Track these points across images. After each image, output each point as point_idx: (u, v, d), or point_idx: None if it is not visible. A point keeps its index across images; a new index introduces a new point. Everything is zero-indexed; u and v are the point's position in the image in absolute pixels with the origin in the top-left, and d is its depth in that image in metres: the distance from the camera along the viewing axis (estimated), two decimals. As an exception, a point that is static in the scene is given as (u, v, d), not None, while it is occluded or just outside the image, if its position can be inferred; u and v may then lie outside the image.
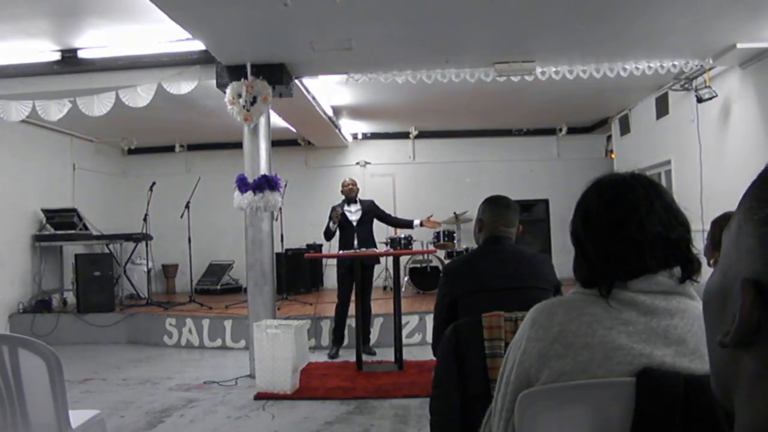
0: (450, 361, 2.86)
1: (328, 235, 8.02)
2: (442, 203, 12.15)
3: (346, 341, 8.02)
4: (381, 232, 9.64)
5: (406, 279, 11.08)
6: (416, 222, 8.12)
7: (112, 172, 13.11)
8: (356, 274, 7.42)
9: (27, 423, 2.94)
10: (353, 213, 7.99)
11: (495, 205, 3.36)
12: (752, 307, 0.68)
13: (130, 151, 13.23)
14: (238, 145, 7.57)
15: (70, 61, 7.38)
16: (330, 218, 7.91)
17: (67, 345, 8.82)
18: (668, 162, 9.67)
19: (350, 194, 8.05)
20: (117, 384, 6.98)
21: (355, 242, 7.89)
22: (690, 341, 1.53)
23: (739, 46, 7.01)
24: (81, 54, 7.35)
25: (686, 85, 8.48)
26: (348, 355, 7.72)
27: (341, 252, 7.69)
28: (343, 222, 7.88)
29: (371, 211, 8.11)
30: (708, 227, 3.22)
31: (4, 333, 3.02)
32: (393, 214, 8.51)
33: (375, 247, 8.05)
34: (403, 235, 8.75)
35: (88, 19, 6.62)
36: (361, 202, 8.14)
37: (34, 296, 10.09)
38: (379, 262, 8.28)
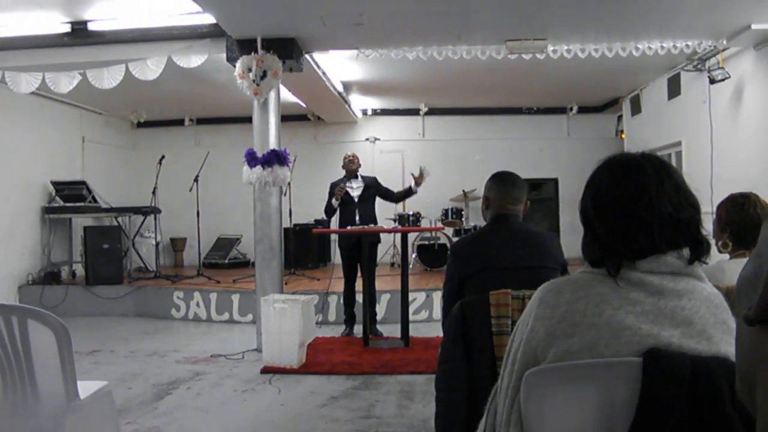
0: (457, 338, 2.86)
1: (330, 212, 7.87)
2: (451, 181, 12.12)
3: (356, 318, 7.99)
4: (387, 209, 9.66)
5: (413, 256, 11.09)
6: (413, 186, 7.78)
7: (121, 145, 13.11)
8: (363, 250, 7.38)
9: (36, 393, 2.97)
10: (355, 189, 7.83)
11: (501, 182, 3.32)
12: None
13: (140, 125, 13.20)
14: (248, 120, 7.55)
15: (80, 33, 7.36)
16: (330, 195, 7.78)
17: (76, 317, 8.90)
18: (679, 143, 9.59)
19: (351, 167, 7.89)
20: (124, 356, 7.04)
21: (357, 218, 7.72)
22: (697, 322, 1.53)
23: (753, 26, 6.92)
24: (91, 26, 7.32)
25: (699, 66, 8.39)
26: (355, 331, 7.76)
27: (349, 228, 7.54)
28: (344, 198, 7.72)
29: (373, 187, 7.94)
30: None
31: (14, 304, 3.03)
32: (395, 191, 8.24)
33: (377, 224, 7.88)
34: (411, 212, 8.72)
35: (98, -9, 6.61)
36: (363, 177, 7.98)
37: (43, 268, 10.15)
38: (380, 241, 8.09)
